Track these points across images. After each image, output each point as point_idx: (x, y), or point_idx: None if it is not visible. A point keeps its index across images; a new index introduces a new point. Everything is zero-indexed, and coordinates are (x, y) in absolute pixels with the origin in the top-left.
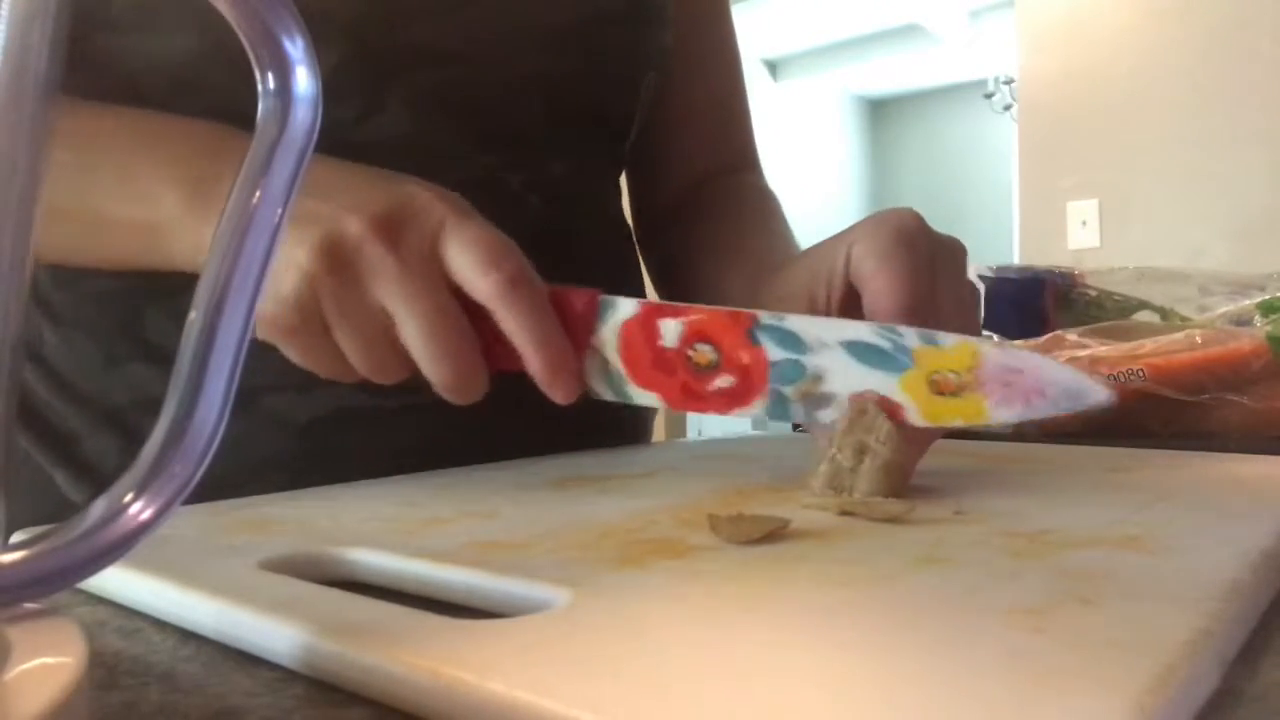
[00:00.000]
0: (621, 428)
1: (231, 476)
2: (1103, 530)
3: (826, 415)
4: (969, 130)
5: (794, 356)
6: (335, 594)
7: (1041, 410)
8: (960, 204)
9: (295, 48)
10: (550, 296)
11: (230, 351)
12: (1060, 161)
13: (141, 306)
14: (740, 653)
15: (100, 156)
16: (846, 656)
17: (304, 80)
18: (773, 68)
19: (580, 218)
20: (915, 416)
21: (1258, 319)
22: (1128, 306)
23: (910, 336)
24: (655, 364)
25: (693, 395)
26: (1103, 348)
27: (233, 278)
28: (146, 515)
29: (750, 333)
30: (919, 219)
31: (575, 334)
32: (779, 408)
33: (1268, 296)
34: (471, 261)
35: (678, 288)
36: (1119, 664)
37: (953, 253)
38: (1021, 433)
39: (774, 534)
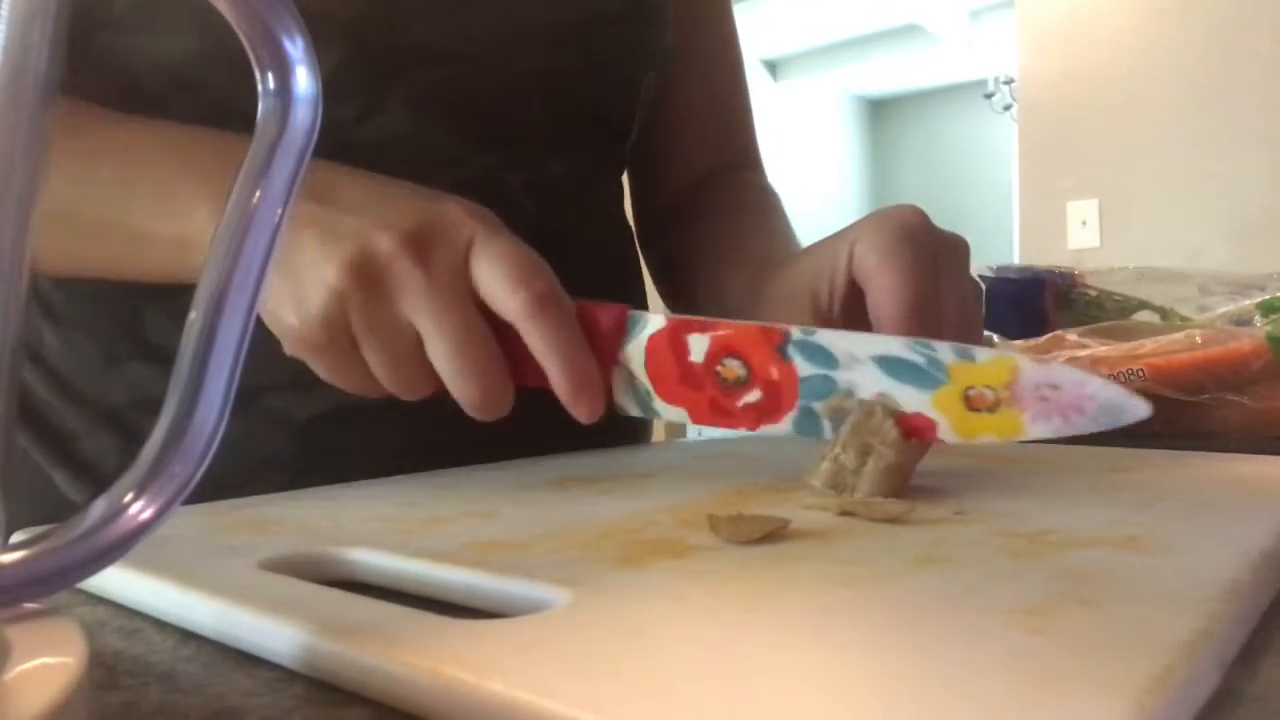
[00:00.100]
0: (622, 428)
1: (231, 476)
2: (1103, 530)
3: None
4: (969, 130)
5: (825, 372)
6: (335, 594)
7: (1080, 427)
8: (960, 204)
9: (295, 48)
10: (578, 312)
11: (230, 351)
12: (1060, 161)
13: (141, 306)
14: (740, 653)
15: (138, 172)
16: (846, 656)
17: (304, 80)
18: (773, 68)
19: (580, 218)
20: (948, 433)
21: (1258, 319)
22: (1128, 306)
23: (945, 351)
24: (683, 379)
25: (721, 411)
26: (1103, 348)
27: (233, 278)
28: (146, 515)
29: (780, 348)
30: (922, 215)
31: (602, 350)
32: (809, 424)
33: (1268, 296)
34: (500, 279)
35: (678, 287)
36: (1119, 664)
37: (955, 249)
38: None
39: (774, 534)
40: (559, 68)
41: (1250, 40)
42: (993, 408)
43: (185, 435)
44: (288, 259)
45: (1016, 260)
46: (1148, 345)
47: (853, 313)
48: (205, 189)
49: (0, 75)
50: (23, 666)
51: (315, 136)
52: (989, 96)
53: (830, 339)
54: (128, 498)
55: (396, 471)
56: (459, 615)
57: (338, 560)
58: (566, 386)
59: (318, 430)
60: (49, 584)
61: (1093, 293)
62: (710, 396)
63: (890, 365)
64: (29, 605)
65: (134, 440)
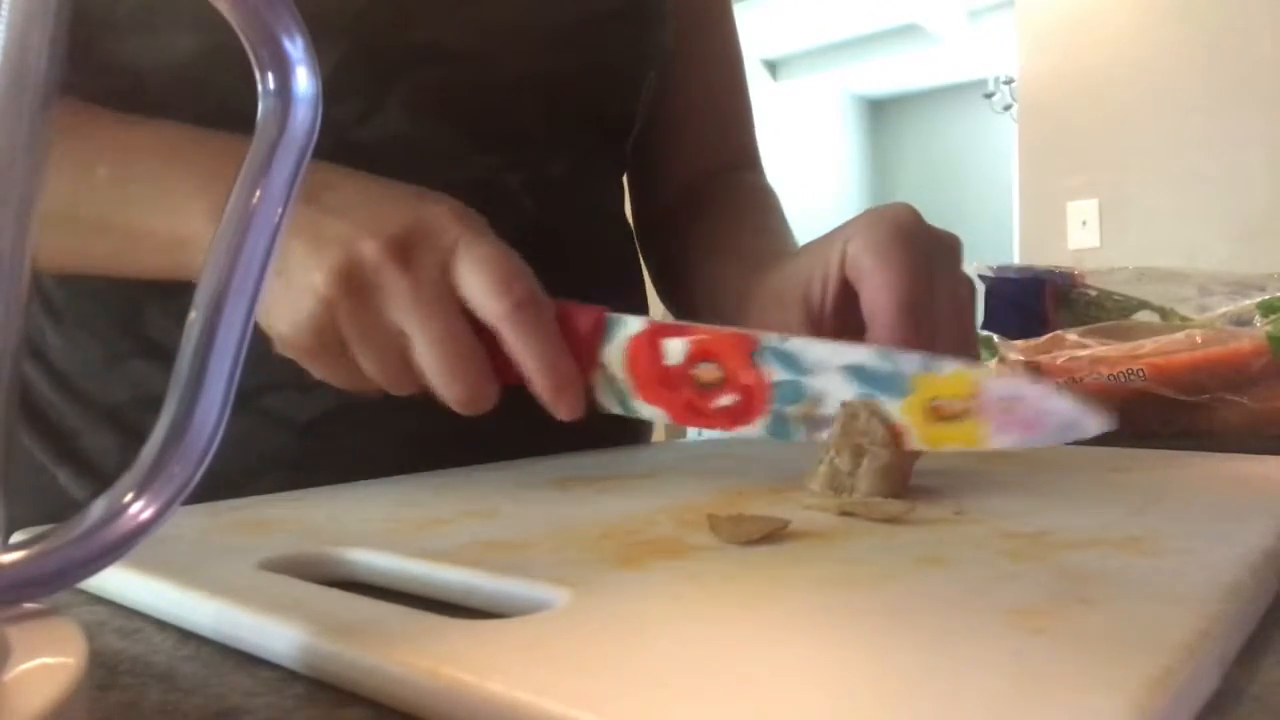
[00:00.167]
0: (622, 428)
1: (232, 475)
2: (1103, 531)
3: (827, 436)
4: (969, 130)
5: (795, 378)
6: (335, 594)
7: (1039, 439)
8: (960, 204)
9: (295, 48)
10: (558, 313)
11: (230, 352)
12: (1060, 161)
13: (142, 304)
14: (740, 653)
15: (137, 170)
16: (846, 656)
17: (304, 80)
18: (773, 68)
19: (580, 217)
20: (915, 440)
21: (1258, 319)
22: (1128, 306)
23: (910, 363)
24: (660, 380)
25: (696, 412)
26: (1103, 348)
27: (233, 278)
28: (146, 515)
29: (754, 354)
30: (914, 214)
31: (582, 351)
32: (780, 427)
33: (1268, 296)
34: (481, 284)
35: (676, 286)
36: (1119, 664)
37: (949, 248)
38: None
39: (774, 534)
40: (559, 68)
41: (1250, 41)
42: (957, 418)
43: (185, 435)
44: (278, 264)
45: (1016, 260)
46: (1148, 345)
47: (845, 312)
48: (203, 188)
49: (0, 76)
50: (23, 666)
51: (315, 136)
52: (989, 96)
53: (801, 347)
54: (128, 498)
55: (396, 471)
56: (459, 615)
57: (338, 560)
58: (545, 387)
59: (318, 430)
60: (49, 584)
61: (1093, 293)
62: (686, 398)
63: (858, 373)
64: (29, 605)
65: (136, 438)
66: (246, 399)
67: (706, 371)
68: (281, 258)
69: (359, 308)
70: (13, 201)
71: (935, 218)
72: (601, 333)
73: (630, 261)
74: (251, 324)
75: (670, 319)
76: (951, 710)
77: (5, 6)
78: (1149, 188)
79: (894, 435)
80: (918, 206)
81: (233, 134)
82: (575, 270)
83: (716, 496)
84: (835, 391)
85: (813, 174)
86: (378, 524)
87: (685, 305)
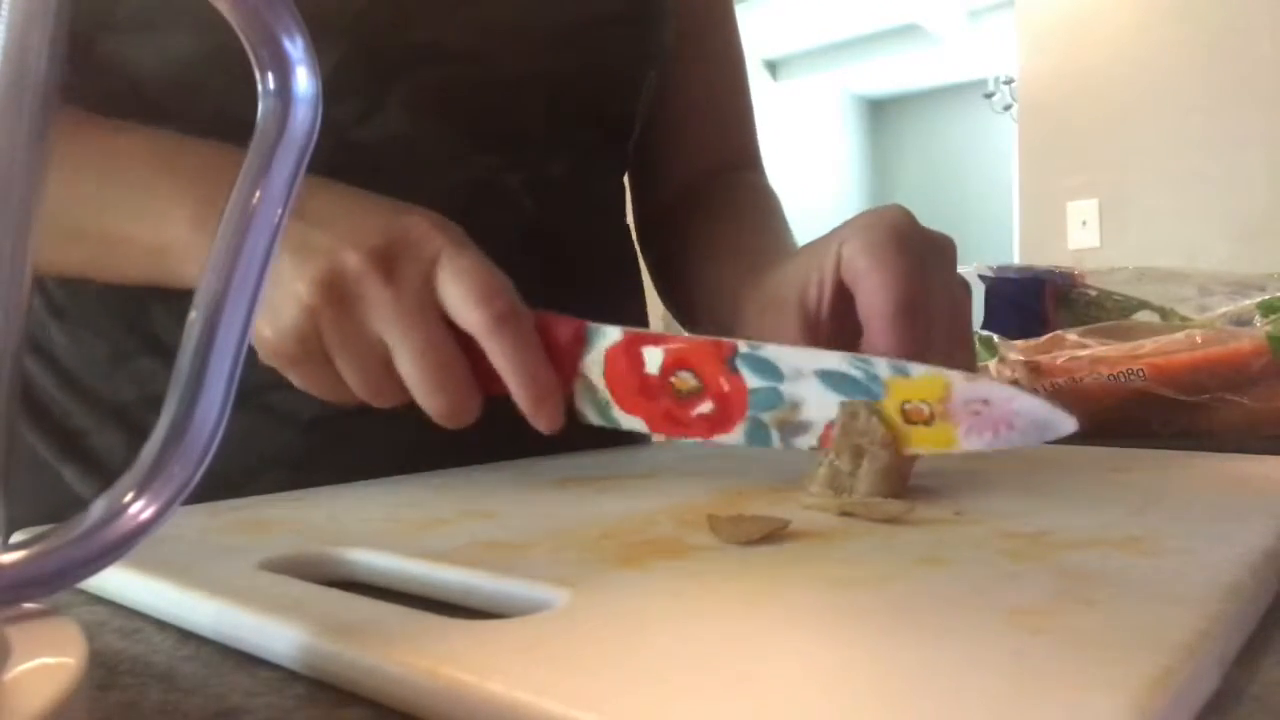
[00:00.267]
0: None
1: (234, 473)
2: (1103, 531)
3: (804, 442)
4: (969, 130)
5: (772, 385)
6: (335, 594)
7: (1009, 440)
8: (960, 204)
9: (295, 48)
10: (538, 323)
11: (230, 351)
12: (1060, 161)
13: (147, 303)
14: (740, 652)
15: (120, 176)
16: (846, 657)
17: (304, 80)
18: (773, 68)
19: (580, 217)
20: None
21: (1258, 319)
22: (1128, 306)
23: (881, 367)
24: (640, 390)
25: (675, 421)
26: (1103, 348)
27: (233, 278)
28: (146, 515)
29: (730, 361)
30: (909, 216)
31: (563, 362)
32: (759, 434)
33: (1268, 296)
34: (462, 296)
35: (675, 285)
36: (1119, 664)
37: (943, 249)
38: None
39: (774, 534)
40: (559, 68)
41: (1250, 41)
42: (928, 421)
43: (185, 435)
44: None
45: (1016, 260)
46: (1148, 345)
47: (841, 315)
48: (186, 195)
49: (0, 76)
50: (23, 666)
51: (315, 136)
52: (989, 96)
53: (776, 353)
54: (128, 497)
55: (398, 470)
56: (459, 615)
57: (338, 560)
58: (526, 399)
59: (320, 428)
60: (49, 584)
61: (1093, 293)
62: (665, 407)
63: (832, 379)
64: (29, 605)
65: (142, 436)
66: (249, 396)
67: (684, 380)
68: None
69: (341, 317)
70: (13, 201)
71: (935, 218)
72: (582, 344)
73: (630, 261)
74: (252, 324)
75: (669, 319)
76: (952, 710)
77: (5, 6)
78: (1149, 188)
79: (894, 436)
80: (917, 207)
81: (223, 142)
82: (574, 270)
83: (716, 496)
84: (811, 397)
85: (813, 174)
86: (378, 524)
87: (684, 305)
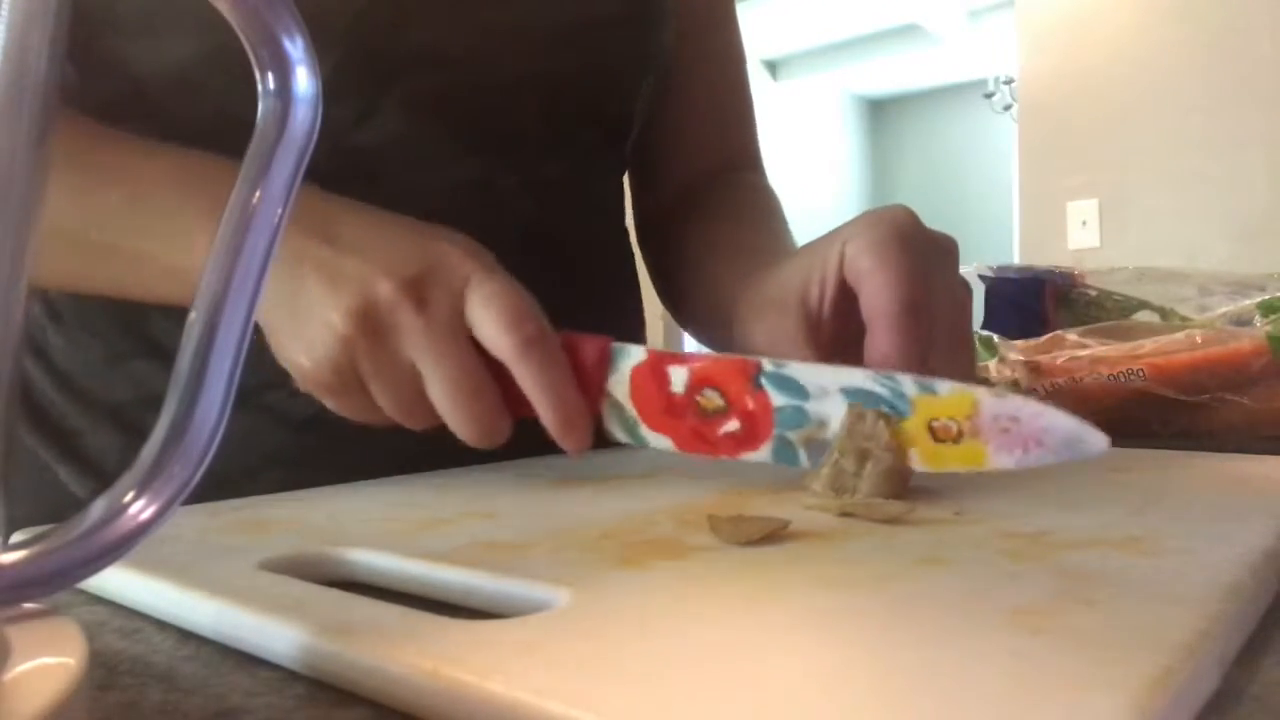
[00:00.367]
0: None
1: (232, 473)
2: (1103, 531)
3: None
4: (969, 130)
5: (797, 403)
6: (335, 594)
7: (1040, 458)
8: (960, 204)
9: (295, 48)
10: (564, 343)
11: (230, 352)
12: (1060, 161)
13: (144, 305)
14: (740, 653)
15: (149, 199)
16: (847, 657)
17: (304, 80)
18: (773, 68)
19: (578, 217)
20: (917, 462)
21: (1258, 319)
22: (1128, 306)
23: (908, 384)
24: (666, 409)
25: (702, 439)
26: (1103, 348)
27: (233, 278)
28: (146, 515)
29: (755, 379)
30: (912, 215)
31: (590, 381)
32: (785, 452)
33: (1268, 296)
34: (491, 322)
35: (674, 286)
36: (1119, 664)
37: (946, 250)
38: None
39: (774, 535)
40: (558, 69)
41: (1250, 41)
42: (956, 439)
43: (185, 435)
44: (293, 302)
45: (1016, 260)
46: (1148, 345)
47: (844, 314)
48: (209, 219)
49: (0, 76)
50: (23, 666)
51: (315, 136)
52: (989, 96)
53: (800, 371)
54: (128, 498)
55: (397, 470)
56: (459, 615)
57: (338, 560)
58: (555, 422)
59: (317, 428)
60: (49, 584)
61: (1093, 293)
62: (692, 425)
63: (857, 396)
64: (29, 605)
65: (137, 437)
66: (246, 397)
67: (709, 399)
68: (298, 296)
69: (375, 347)
70: (13, 202)
71: (935, 218)
72: (607, 363)
73: (628, 261)
74: (251, 324)
75: (668, 319)
76: (952, 710)
77: (5, 6)
78: (1149, 188)
79: (899, 439)
80: (918, 207)
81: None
82: (573, 270)
83: (716, 496)
84: (836, 414)
85: (813, 174)
86: (378, 524)
87: (683, 305)
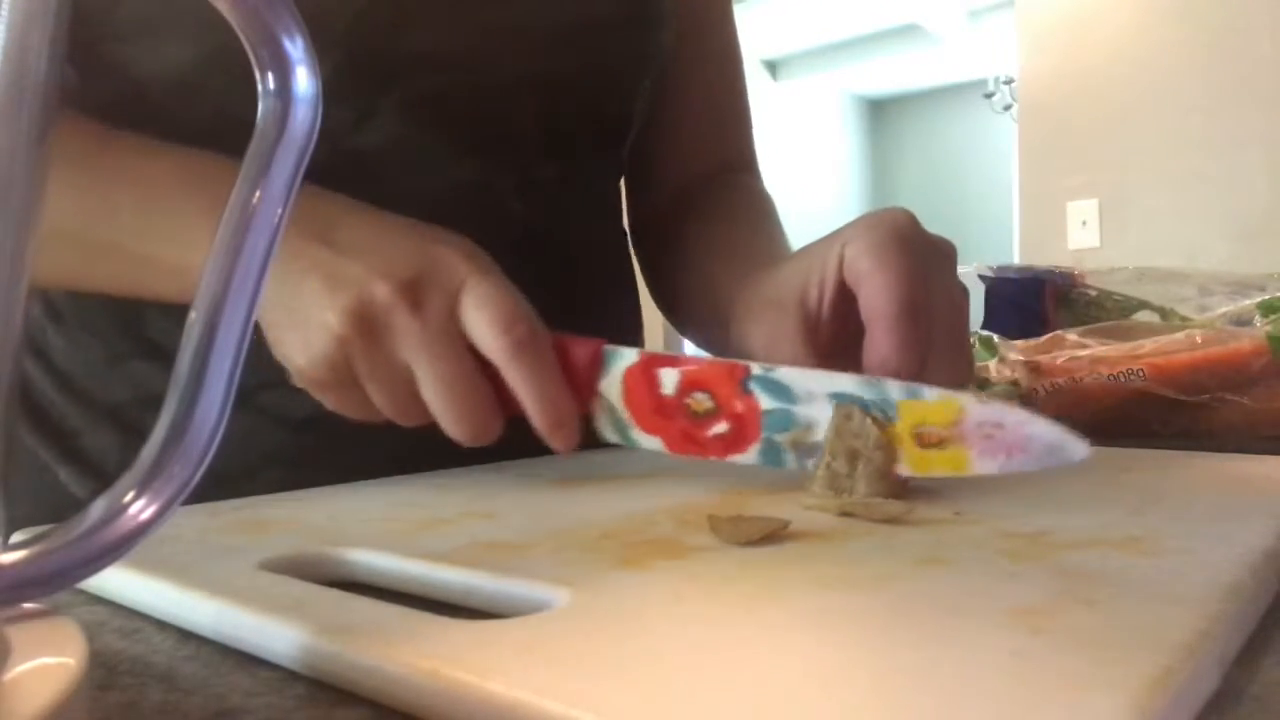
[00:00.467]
0: None
1: (230, 472)
2: (1103, 531)
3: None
4: (969, 130)
5: (785, 406)
6: (335, 594)
7: (1022, 464)
8: (960, 204)
9: (295, 47)
10: (556, 346)
11: (230, 352)
12: (1060, 161)
13: (142, 306)
14: (740, 653)
15: (154, 199)
16: (845, 657)
17: (304, 80)
18: (773, 68)
19: (574, 219)
20: (902, 466)
21: (1258, 319)
22: (1128, 306)
23: (895, 390)
24: (657, 410)
25: (692, 441)
26: (1103, 348)
27: (233, 278)
28: (146, 515)
29: (743, 383)
30: (912, 218)
31: (581, 382)
32: (773, 455)
33: (1268, 296)
34: (484, 323)
35: (669, 287)
36: (1119, 664)
37: (945, 253)
38: None
39: (774, 535)
40: (557, 71)
41: (1250, 41)
42: (941, 444)
43: (185, 435)
44: (291, 301)
45: (1016, 260)
46: (1148, 345)
47: (842, 316)
48: (210, 219)
49: (0, 76)
50: (23, 666)
51: (315, 136)
52: (989, 96)
53: (789, 376)
54: (128, 498)
55: (396, 470)
56: (459, 615)
57: (338, 560)
58: (543, 422)
59: (316, 427)
60: (49, 584)
61: (1093, 293)
62: (682, 427)
63: (845, 401)
64: (29, 605)
65: (135, 437)
66: (244, 396)
67: (699, 401)
68: (297, 296)
69: (371, 347)
70: (13, 201)
71: (935, 218)
72: (599, 365)
73: (625, 264)
74: (251, 324)
75: (665, 322)
76: (952, 710)
77: (5, 6)
78: (1149, 188)
79: (888, 437)
80: (918, 207)
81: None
82: (571, 271)
83: (716, 496)
84: (824, 419)
85: (812, 174)
86: (378, 524)
87: (679, 306)
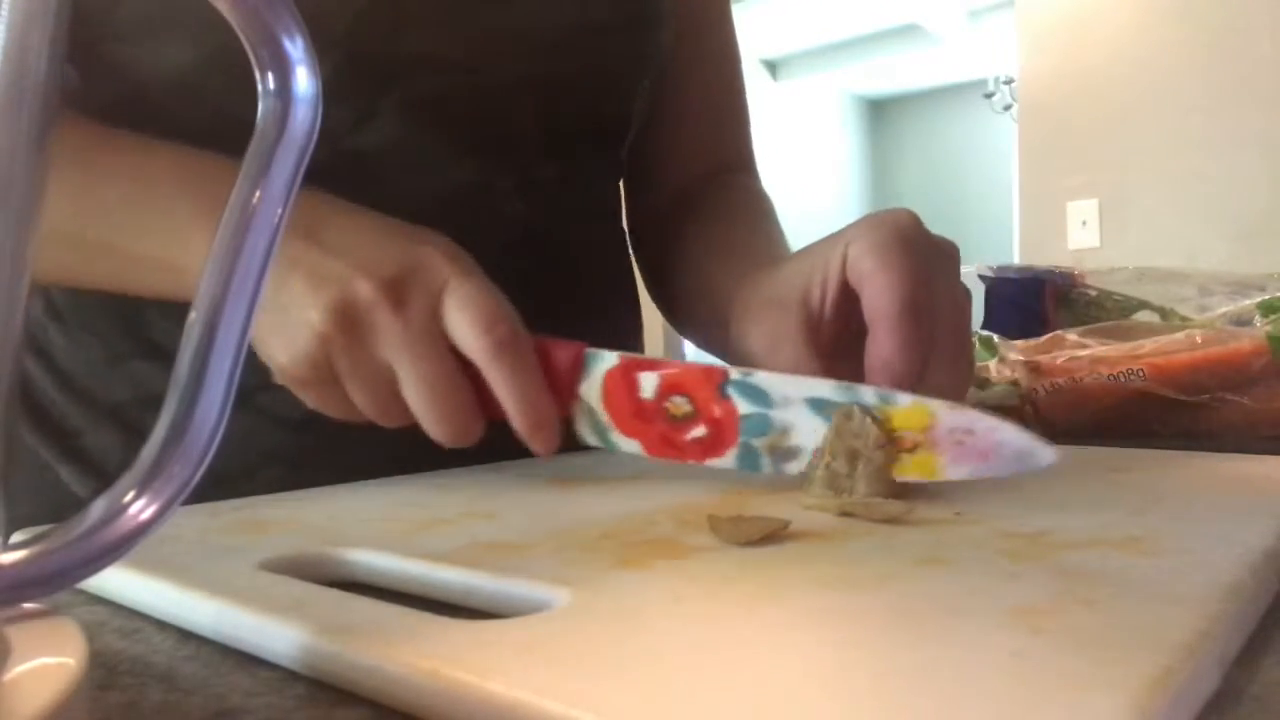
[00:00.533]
0: None
1: (230, 472)
2: (1103, 531)
3: (794, 468)
4: (969, 130)
5: (762, 411)
6: (335, 594)
7: (994, 470)
8: (960, 204)
9: (295, 47)
10: (538, 349)
11: (230, 352)
12: (1060, 161)
13: (143, 306)
14: (740, 653)
15: (147, 196)
16: (846, 657)
17: (304, 80)
18: (773, 68)
19: (573, 221)
20: None
21: (1258, 319)
22: (1128, 306)
23: (868, 395)
24: (636, 414)
25: (670, 444)
26: (1103, 348)
27: (232, 278)
28: (146, 515)
29: (721, 387)
30: (916, 219)
31: (562, 385)
32: (750, 459)
33: (1268, 296)
34: (465, 324)
35: (668, 287)
36: (1119, 664)
37: (948, 254)
38: None
39: (774, 535)
40: (556, 73)
41: (1250, 41)
42: (913, 449)
43: (185, 435)
44: (275, 298)
45: (1016, 260)
46: (1148, 345)
47: (843, 316)
48: (206, 218)
49: (0, 76)
50: (23, 666)
51: (315, 136)
52: (989, 96)
53: (766, 381)
54: (128, 498)
55: (396, 470)
56: (459, 615)
57: (338, 560)
58: (523, 424)
59: (315, 427)
60: (49, 584)
61: (1093, 293)
62: (660, 430)
63: (819, 406)
64: (29, 605)
65: (136, 436)
66: (243, 396)
67: (677, 405)
68: (280, 292)
69: (352, 345)
70: (14, 201)
71: (935, 218)
72: (580, 368)
73: (624, 264)
74: (251, 325)
75: (665, 323)
76: (952, 710)
77: (5, 6)
78: (1149, 188)
79: (887, 436)
80: (918, 207)
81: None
82: (571, 272)
83: (717, 497)
84: (800, 424)
85: (812, 174)
86: (378, 524)
87: (678, 306)
